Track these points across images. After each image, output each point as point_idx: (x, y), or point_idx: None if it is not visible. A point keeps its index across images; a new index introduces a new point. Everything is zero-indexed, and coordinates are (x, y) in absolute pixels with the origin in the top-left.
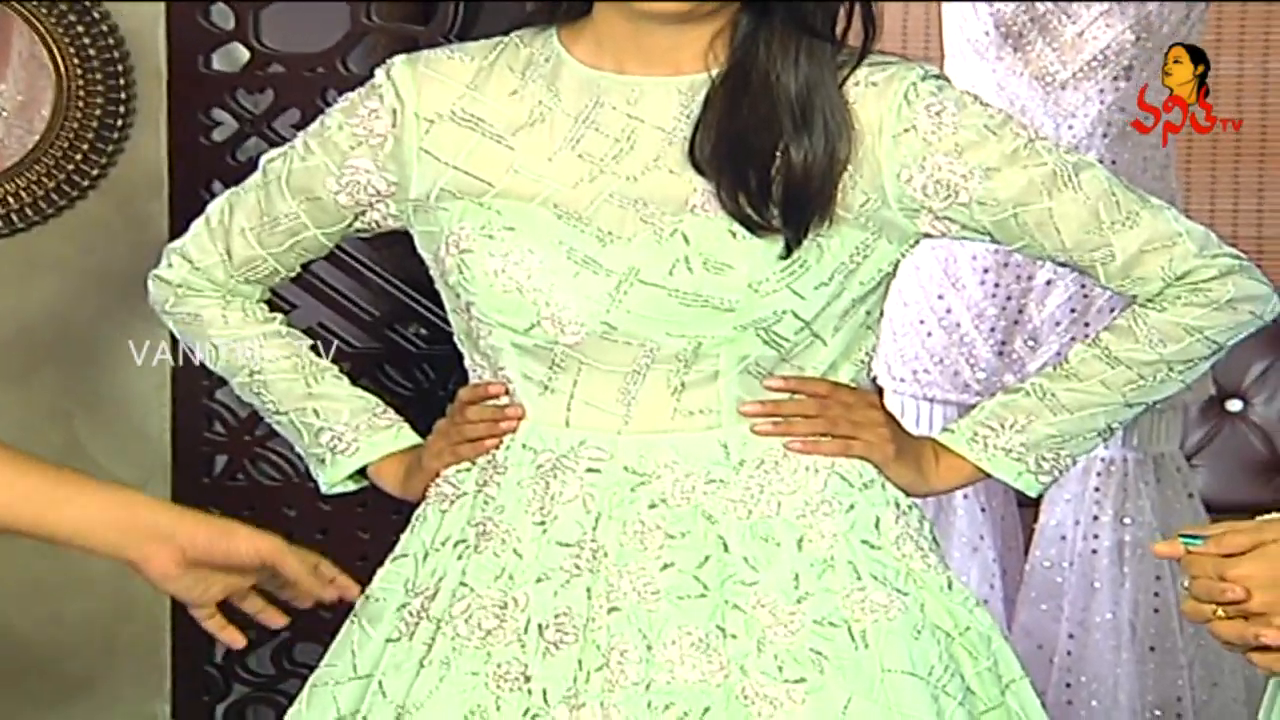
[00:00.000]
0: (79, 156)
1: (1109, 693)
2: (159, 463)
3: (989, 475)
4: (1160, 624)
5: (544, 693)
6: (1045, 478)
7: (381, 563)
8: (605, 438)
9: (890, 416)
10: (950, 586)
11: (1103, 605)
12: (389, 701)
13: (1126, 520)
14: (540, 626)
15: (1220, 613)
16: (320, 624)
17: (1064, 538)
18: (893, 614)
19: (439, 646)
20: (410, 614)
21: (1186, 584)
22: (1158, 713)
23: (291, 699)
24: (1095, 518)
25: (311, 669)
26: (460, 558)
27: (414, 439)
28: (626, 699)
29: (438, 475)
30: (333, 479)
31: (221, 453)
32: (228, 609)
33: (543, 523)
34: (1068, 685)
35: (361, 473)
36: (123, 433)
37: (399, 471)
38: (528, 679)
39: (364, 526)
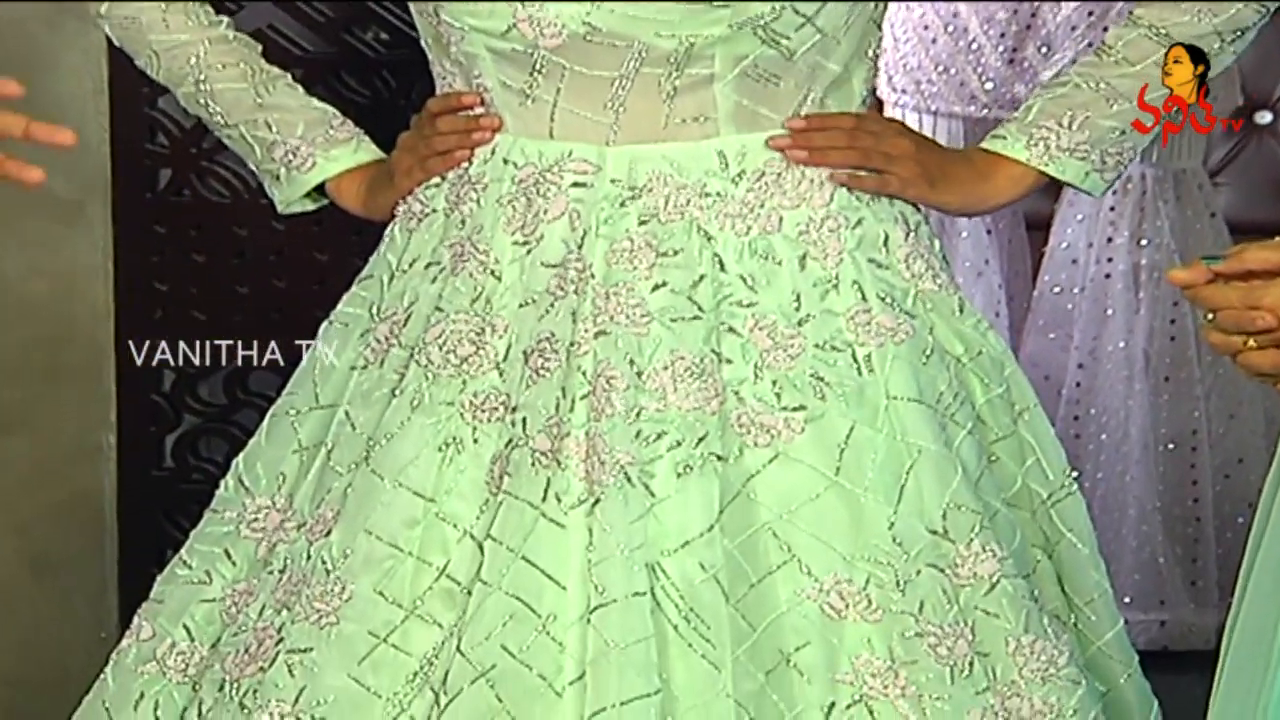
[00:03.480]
0: None
1: (1120, 425)
2: (98, 177)
3: (1051, 179)
4: (1176, 353)
5: (524, 422)
6: (1110, 174)
7: (341, 287)
8: (592, 149)
9: (922, 139)
10: (962, 309)
11: (1115, 333)
12: (358, 433)
13: (1143, 242)
14: (523, 353)
15: (1252, 343)
16: (276, 350)
17: (1075, 261)
18: (899, 338)
19: (411, 375)
20: (377, 340)
21: (1210, 316)
22: (1171, 446)
23: (246, 431)
24: (1109, 239)
25: (268, 399)
26: (434, 281)
27: (376, 153)
28: (613, 428)
29: (408, 193)
30: (288, 197)
31: (165, 166)
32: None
33: (525, 242)
34: (1076, 419)
35: (320, 190)
36: None
37: (360, 188)
38: (509, 409)
39: (321, 247)
